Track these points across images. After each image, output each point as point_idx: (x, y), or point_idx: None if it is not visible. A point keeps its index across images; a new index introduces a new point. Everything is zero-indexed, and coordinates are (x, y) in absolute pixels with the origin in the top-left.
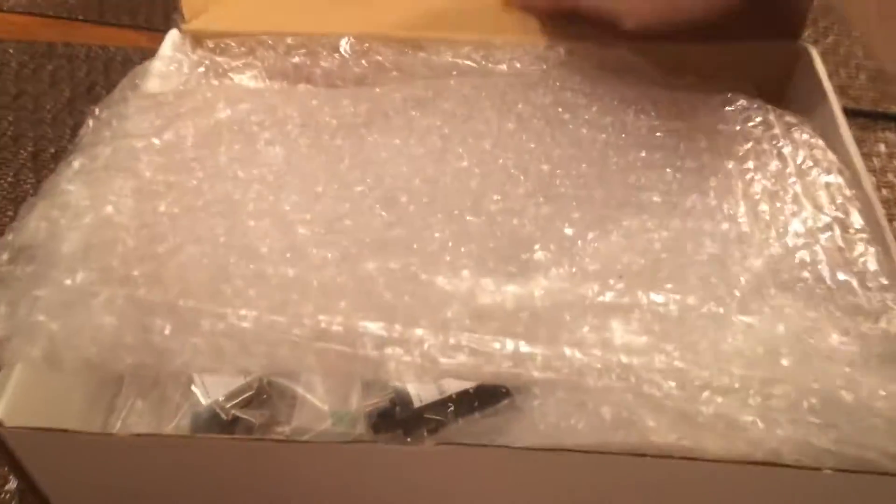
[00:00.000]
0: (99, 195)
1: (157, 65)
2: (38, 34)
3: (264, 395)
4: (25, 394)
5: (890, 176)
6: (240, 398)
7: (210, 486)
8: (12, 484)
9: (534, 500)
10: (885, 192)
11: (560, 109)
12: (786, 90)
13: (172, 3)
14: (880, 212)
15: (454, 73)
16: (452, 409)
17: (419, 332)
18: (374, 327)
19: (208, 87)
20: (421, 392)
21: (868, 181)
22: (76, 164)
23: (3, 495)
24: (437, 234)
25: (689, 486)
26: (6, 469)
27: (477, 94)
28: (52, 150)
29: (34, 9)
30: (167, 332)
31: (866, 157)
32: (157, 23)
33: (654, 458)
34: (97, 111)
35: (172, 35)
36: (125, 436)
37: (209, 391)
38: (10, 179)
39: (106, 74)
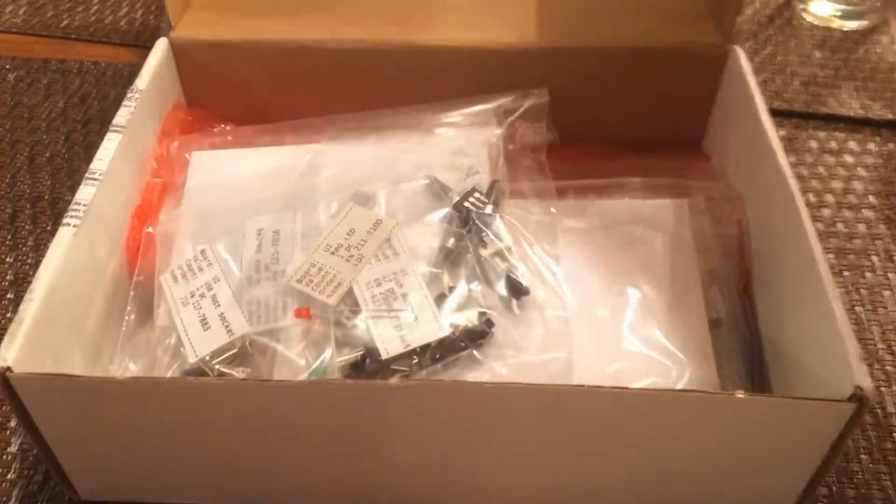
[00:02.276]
0: None
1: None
2: (33, 51)
3: (247, 354)
4: (31, 351)
5: (820, 168)
6: (224, 356)
7: (201, 427)
8: (14, 447)
9: (481, 429)
10: (815, 182)
11: None
12: (716, 92)
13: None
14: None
15: None
16: (416, 360)
17: None
18: None
19: None
20: (388, 346)
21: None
22: None
23: (5, 457)
24: None
25: (614, 413)
26: (7, 433)
27: None
28: (47, 155)
29: (29, 29)
30: None
31: (799, 152)
32: (145, 40)
33: (588, 389)
34: None
35: (160, 44)
36: (125, 379)
37: (197, 351)
38: (7, 181)
39: (98, 87)
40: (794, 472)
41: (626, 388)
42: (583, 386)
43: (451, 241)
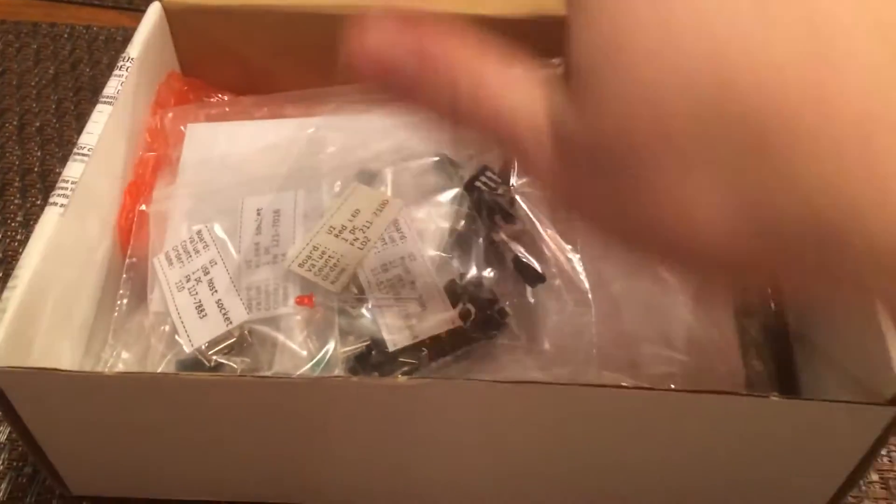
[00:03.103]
0: None
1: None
2: (22, 14)
3: (245, 343)
4: (16, 342)
5: None
6: (222, 345)
7: (195, 423)
8: (2, 436)
9: (496, 429)
10: None
11: None
12: None
13: None
14: None
15: None
16: (426, 353)
17: None
18: None
19: None
20: (396, 337)
21: None
22: None
23: None
24: None
25: (641, 414)
26: None
27: None
28: (37, 124)
29: None
30: None
31: None
32: (139, 3)
33: (611, 389)
34: None
35: (153, 9)
36: (114, 374)
37: (192, 340)
38: None
39: (89, 53)
40: (826, 476)
41: (653, 388)
42: (605, 386)
43: (462, 223)
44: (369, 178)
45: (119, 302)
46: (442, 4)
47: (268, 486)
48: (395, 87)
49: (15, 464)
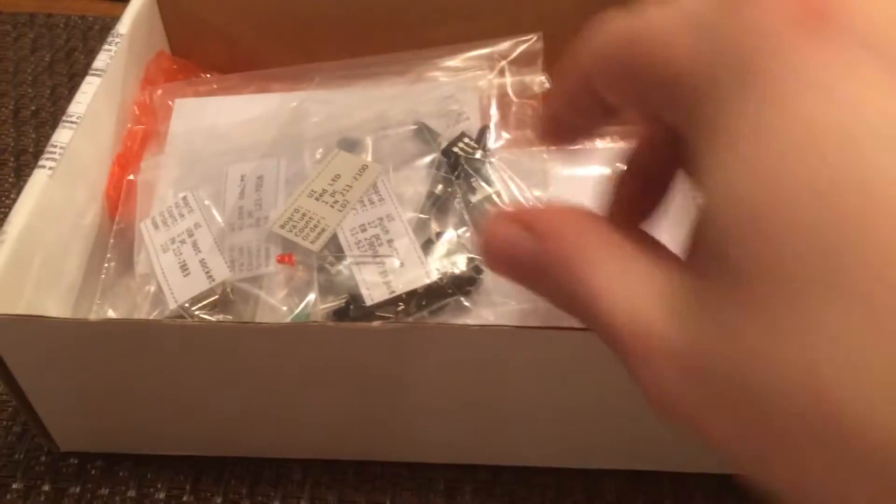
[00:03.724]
0: None
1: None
2: (19, 5)
3: (228, 301)
4: (3, 297)
5: None
6: (205, 302)
7: (179, 372)
8: None
9: (466, 373)
10: None
11: None
12: None
13: None
14: None
15: None
16: (402, 307)
17: None
18: None
19: None
20: (373, 293)
21: None
22: None
23: None
24: None
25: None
26: None
27: None
28: (33, 108)
29: None
30: None
31: None
32: None
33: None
34: None
35: None
36: (99, 321)
37: (176, 297)
38: None
39: (84, 41)
40: None
41: None
42: (574, 328)
43: (440, 187)
44: (350, 145)
45: (106, 265)
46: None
47: (253, 440)
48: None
49: (5, 423)
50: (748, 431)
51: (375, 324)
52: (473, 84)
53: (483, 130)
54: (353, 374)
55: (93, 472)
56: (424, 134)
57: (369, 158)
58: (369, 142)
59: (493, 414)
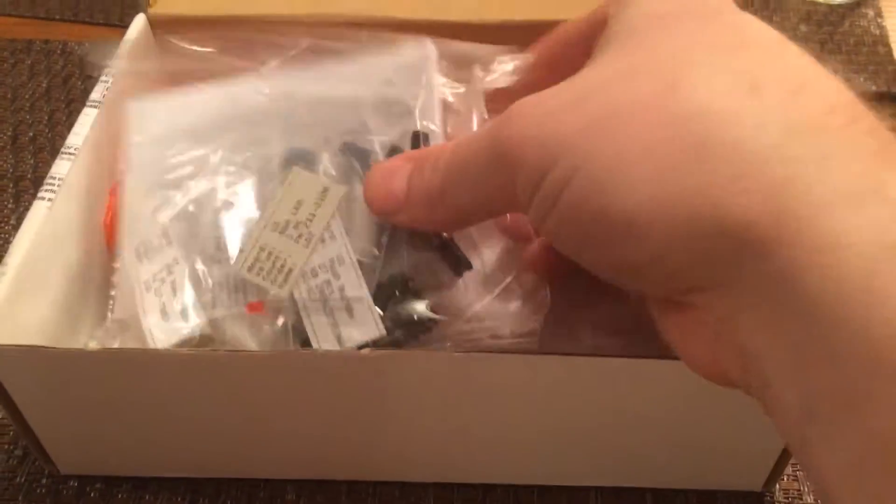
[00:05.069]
0: None
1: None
2: (17, 33)
3: (208, 341)
4: (4, 326)
5: None
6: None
7: (174, 399)
8: None
9: (453, 397)
10: None
11: None
12: None
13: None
14: None
15: None
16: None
17: None
18: None
19: None
20: (324, 346)
21: None
22: None
23: None
24: None
25: (589, 382)
26: None
27: None
28: (31, 134)
29: (13, 10)
30: None
31: None
32: (129, 20)
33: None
34: None
35: (138, 20)
36: (96, 350)
37: (156, 342)
38: None
39: (81, 67)
40: (766, 447)
41: (599, 355)
42: (558, 353)
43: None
44: (300, 159)
45: (111, 302)
46: (411, 9)
47: (248, 462)
48: None
49: (7, 447)
50: (603, 126)
51: (364, 351)
52: (412, 58)
53: (416, 137)
54: (344, 399)
55: (92, 494)
56: (355, 152)
57: (321, 173)
58: (323, 157)
59: (480, 435)
